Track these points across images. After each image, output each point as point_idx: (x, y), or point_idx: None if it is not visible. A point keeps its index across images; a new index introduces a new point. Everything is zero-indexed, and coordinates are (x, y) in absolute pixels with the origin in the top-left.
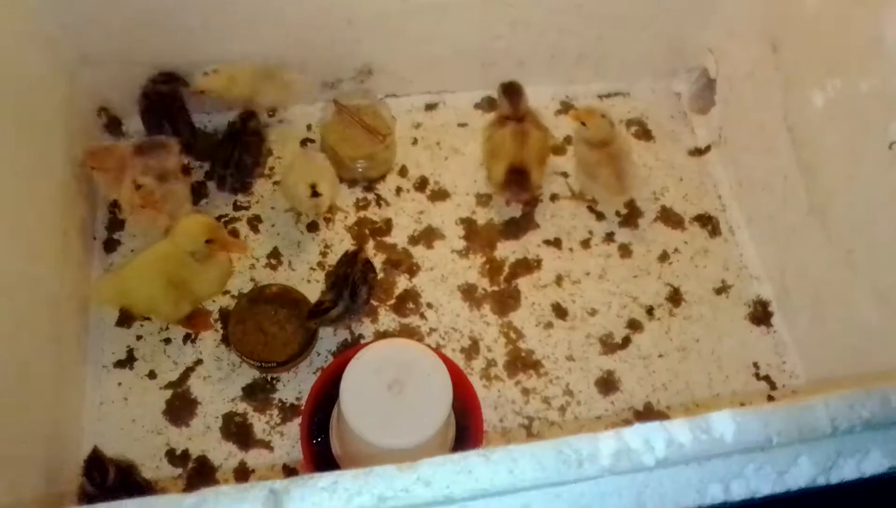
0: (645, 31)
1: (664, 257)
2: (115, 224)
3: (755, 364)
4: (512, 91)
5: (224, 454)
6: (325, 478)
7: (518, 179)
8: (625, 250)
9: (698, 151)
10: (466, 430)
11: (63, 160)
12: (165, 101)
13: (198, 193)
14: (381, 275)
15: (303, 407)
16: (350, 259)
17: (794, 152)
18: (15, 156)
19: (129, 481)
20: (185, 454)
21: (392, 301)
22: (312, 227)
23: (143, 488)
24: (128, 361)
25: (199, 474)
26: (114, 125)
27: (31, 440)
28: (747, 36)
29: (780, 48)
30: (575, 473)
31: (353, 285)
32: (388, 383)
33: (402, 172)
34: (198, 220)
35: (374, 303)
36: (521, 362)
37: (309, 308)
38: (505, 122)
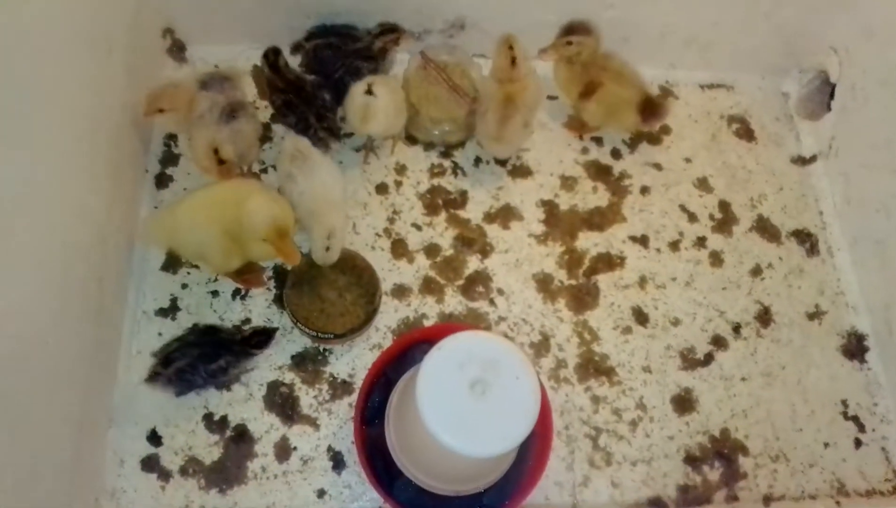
0: (767, 19)
1: (757, 271)
2: (170, 158)
3: (844, 402)
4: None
5: (265, 425)
6: None
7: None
8: (715, 258)
9: (802, 160)
10: (532, 433)
11: (122, 82)
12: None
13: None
14: (451, 252)
15: (356, 385)
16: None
17: None
18: (76, 71)
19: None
20: (224, 420)
21: (461, 282)
22: (381, 189)
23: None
24: (171, 310)
25: (237, 444)
26: (177, 50)
27: (65, 384)
28: (888, 38)
29: None
30: None
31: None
32: (470, 381)
33: None
34: (264, 212)
35: (442, 281)
36: (593, 366)
37: None
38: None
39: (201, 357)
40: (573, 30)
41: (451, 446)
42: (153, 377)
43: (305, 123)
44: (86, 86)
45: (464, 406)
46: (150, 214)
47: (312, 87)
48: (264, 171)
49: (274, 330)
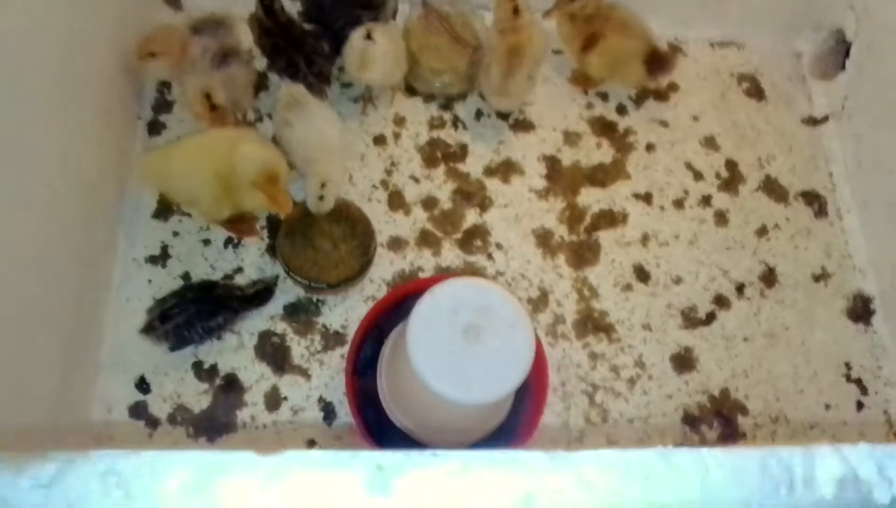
0: None
1: (762, 231)
2: (163, 105)
3: (847, 364)
4: None
5: (256, 375)
6: (452, 460)
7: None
8: (720, 218)
9: (813, 121)
10: (526, 388)
11: (114, 27)
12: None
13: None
14: (449, 205)
15: (348, 337)
16: None
17: None
18: (65, 15)
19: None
20: (214, 369)
21: (458, 235)
22: (379, 141)
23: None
24: (161, 258)
25: (227, 393)
26: None
27: (50, 329)
28: None
29: None
30: (785, 499)
31: None
32: (463, 327)
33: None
34: (256, 156)
35: (439, 235)
36: (592, 323)
37: None
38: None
39: (199, 315)
40: None
41: (443, 392)
42: (148, 330)
43: (295, 69)
44: (76, 30)
45: (456, 353)
46: (143, 155)
47: (304, 32)
48: (259, 119)
49: (274, 284)
